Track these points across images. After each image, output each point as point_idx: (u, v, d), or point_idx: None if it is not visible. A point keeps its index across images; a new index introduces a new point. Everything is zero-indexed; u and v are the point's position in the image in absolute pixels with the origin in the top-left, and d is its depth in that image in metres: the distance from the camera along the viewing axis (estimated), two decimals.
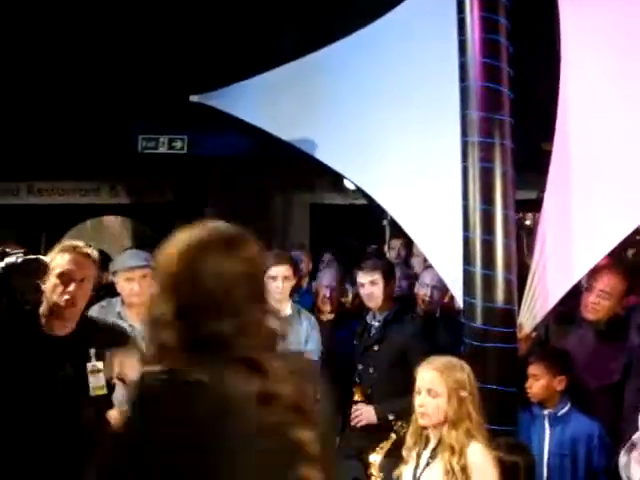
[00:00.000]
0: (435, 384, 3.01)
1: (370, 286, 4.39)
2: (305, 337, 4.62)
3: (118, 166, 10.26)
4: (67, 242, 3.13)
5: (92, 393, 2.87)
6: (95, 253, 3.17)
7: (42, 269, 2.86)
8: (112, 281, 4.68)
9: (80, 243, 3.16)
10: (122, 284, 4.38)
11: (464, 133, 3.90)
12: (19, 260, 2.83)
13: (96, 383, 2.86)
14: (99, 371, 2.87)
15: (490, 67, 3.85)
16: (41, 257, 2.97)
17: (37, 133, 9.06)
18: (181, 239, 1.70)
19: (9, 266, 2.78)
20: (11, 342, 2.87)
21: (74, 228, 10.99)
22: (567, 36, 3.94)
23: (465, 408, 2.97)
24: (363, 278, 4.43)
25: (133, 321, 4.34)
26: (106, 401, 2.90)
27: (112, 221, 11.84)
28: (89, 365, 2.86)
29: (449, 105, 4.01)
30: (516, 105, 3.90)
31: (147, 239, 9.87)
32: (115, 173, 10.82)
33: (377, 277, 4.38)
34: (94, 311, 4.31)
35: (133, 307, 4.38)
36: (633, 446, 2.52)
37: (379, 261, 4.76)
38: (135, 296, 4.34)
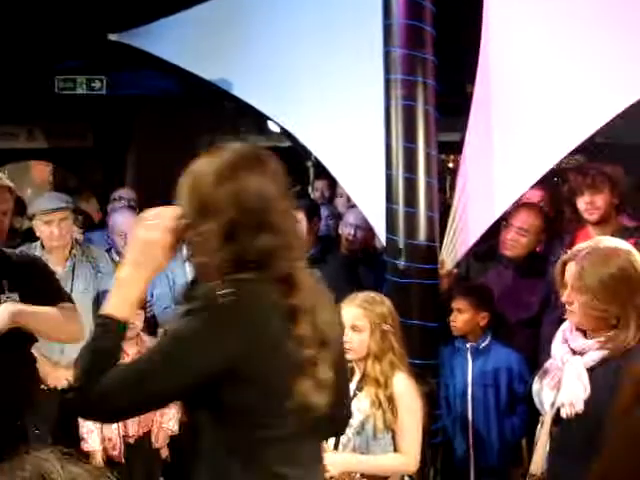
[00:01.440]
0: (358, 320, 3.05)
1: None
2: None
3: (35, 109, 9.92)
4: None
5: None
6: (13, 185, 3.05)
7: None
8: (30, 227, 4.56)
9: None
10: (41, 228, 4.26)
11: (387, 70, 3.89)
12: None
13: None
14: (15, 301, 2.79)
15: (413, 4, 3.83)
16: None
17: None
18: (210, 162, 1.78)
19: None
20: None
21: None
22: None
23: (388, 341, 3.05)
24: None
25: (54, 265, 4.25)
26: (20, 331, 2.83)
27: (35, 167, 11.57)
28: (3, 297, 2.79)
29: (371, 42, 3.98)
30: (441, 47, 3.91)
31: (70, 184, 9.65)
32: (32, 116, 10.46)
33: (300, 216, 4.37)
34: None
35: (53, 251, 4.28)
36: (545, 373, 2.62)
37: (302, 200, 4.74)
38: (55, 240, 4.24)
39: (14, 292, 2.82)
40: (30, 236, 4.52)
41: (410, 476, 3.08)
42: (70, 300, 3.03)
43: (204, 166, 1.78)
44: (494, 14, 3.95)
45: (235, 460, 1.78)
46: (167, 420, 4.11)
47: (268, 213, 1.75)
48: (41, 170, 11.72)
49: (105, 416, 1.93)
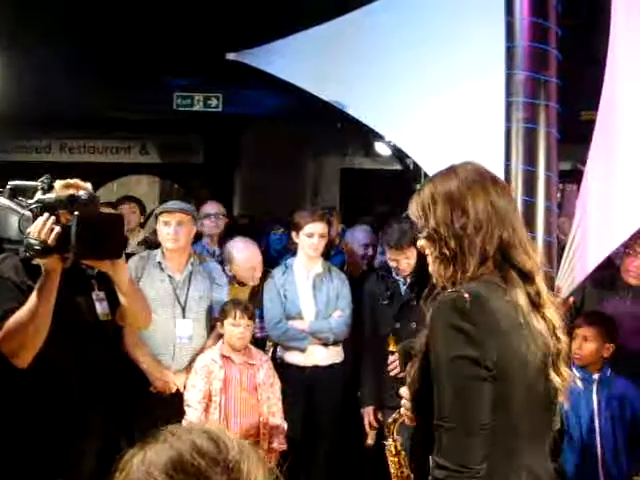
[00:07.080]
0: None
1: None
2: (336, 294, 4.65)
3: (151, 124, 10.25)
4: (66, 180, 3.02)
5: (101, 318, 3.04)
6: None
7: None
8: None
9: (75, 180, 3.05)
10: (160, 228, 4.38)
11: (508, 93, 3.85)
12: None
13: (102, 310, 3.02)
14: (103, 299, 3.02)
15: (538, 27, 3.80)
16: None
17: (69, 89, 9.03)
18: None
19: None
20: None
21: (101, 188, 11.03)
22: None
23: None
24: None
25: (172, 272, 4.36)
26: (112, 325, 3.12)
27: (140, 181, 11.91)
28: (94, 294, 3.01)
29: (491, 64, 3.97)
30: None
31: (177, 198, 9.90)
32: (147, 131, 10.81)
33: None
34: (133, 261, 4.34)
35: (171, 258, 4.39)
36: None
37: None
38: (170, 240, 4.31)
39: (102, 291, 3.03)
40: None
41: None
42: None
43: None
44: (621, 41, 3.86)
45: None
46: (276, 439, 4.18)
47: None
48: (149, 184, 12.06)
49: None
